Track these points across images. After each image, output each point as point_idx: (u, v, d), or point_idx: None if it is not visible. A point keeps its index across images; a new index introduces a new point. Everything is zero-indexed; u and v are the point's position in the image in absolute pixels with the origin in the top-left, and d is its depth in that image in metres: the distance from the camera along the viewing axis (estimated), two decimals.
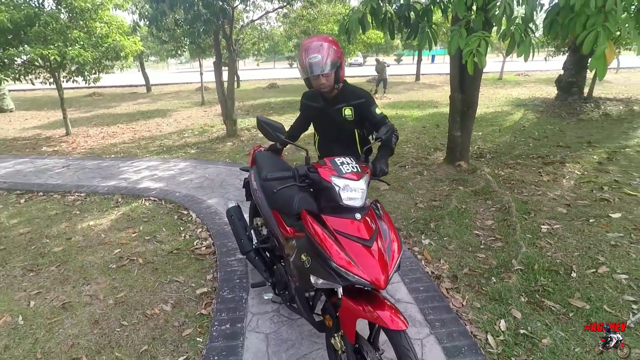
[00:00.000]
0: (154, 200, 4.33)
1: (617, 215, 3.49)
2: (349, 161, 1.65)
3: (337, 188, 1.55)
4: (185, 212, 3.96)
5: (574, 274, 2.64)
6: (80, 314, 2.49)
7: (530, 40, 2.61)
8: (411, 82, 19.17)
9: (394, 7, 3.79)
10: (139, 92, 19.74)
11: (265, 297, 2.27)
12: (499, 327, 2.22)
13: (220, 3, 5.92)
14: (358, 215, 1.53)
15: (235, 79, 9.06)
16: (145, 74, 19.43)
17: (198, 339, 2.23)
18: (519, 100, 11.24)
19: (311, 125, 2.54)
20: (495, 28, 3.86)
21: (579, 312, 2.28)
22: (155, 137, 8.08)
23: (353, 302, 1.48)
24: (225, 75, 7.23)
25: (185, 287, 2.72)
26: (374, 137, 2.17)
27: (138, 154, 6.61)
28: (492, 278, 2.66)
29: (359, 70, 27.92)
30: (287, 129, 2.22)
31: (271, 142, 2.43)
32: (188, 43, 10.96)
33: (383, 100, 12.26)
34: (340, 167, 1.61)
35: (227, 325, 2.29)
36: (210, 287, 2.72)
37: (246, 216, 2.86)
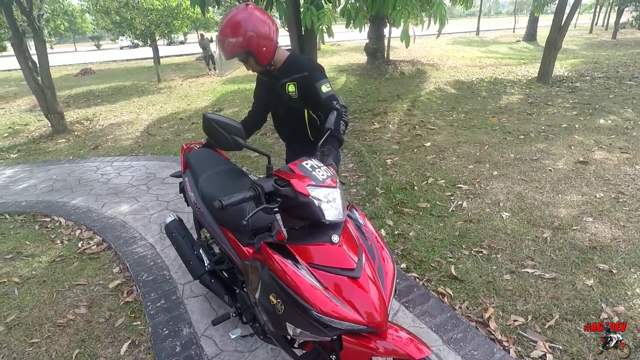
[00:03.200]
0: None
1: (428, 143, 4.81)
2: (317, 163, 1.32)
3: (316, 202, 1.18)
4: (48, 219, 3.43)
5: (415, 187, 3.65)
6: None
7: (361, 15, 3.33)
8: None
9: None
10: None
11: (232, 336, 1.78)
12: (381, 234, 2.98)
13: None
14: (335, 237, 1.20)
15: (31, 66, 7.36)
16: None
17: (135, 323, 2.23)
18: (340, 67, 12.94)
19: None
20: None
21: (425, 210, 3.25)
22: None
23: (359, 339, 1.17)
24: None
25: (92, 287, 2.55)
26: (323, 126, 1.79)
27: None
28: (367, 204, 3.43)
29: (181, 49, 26.15)
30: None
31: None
32: None
33: (229, 76, 12.15)
34: (314, 172, 1.24)
35: (162, 301, 2.35)
36: (123, 277, 2.63)
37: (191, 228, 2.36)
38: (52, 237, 3.17)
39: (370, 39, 11.89)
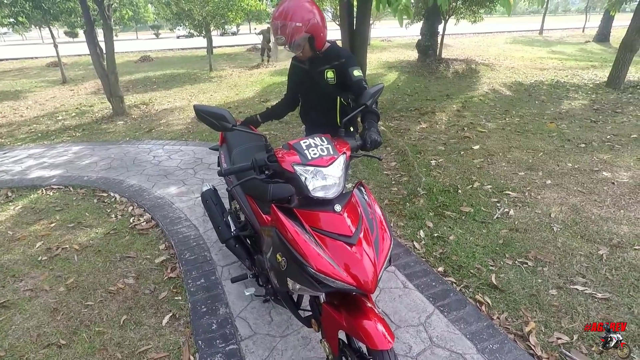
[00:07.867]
0: (59, 188, 3.89)
1: (476, 147, 4.61)
2: (318, 142, 1.42)
3: (302, 177, 1.34)
4: (105, 195, 3.72)
5: (459, 191, 3.53)
6: (29, 308, 2.32)
7: None
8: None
9: None
10: None
11: (247, 293, 2.01)
12: (420, 235, 2.91)
13: None
14: (338, 207, 1.33)
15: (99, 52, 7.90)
16: None
17: (176, 298, 2.36)
18: (389, 63, 12.69)
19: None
20: None
21: (468, 214, 3.13)
22: (17, 122, 6.82)
23: (334, 311, 1.33)
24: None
25: (140, 260, 2.73)
26: (351, 102, 2.03)
27: (4, 143, 5.58)
28: (407, 203, 3.36)
29: (233, 40, 26.91)
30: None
31: (247, 117, 2.46)
32: (32, 8, 9.16)
33: (277, 67, 12.39)
34: (306, 151, 1.38)
35: (202, 281, 2.47)
36: (168, 254, 2.79)
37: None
38: (108, 211, 3.43)
39: (423, 35, 11.53)
